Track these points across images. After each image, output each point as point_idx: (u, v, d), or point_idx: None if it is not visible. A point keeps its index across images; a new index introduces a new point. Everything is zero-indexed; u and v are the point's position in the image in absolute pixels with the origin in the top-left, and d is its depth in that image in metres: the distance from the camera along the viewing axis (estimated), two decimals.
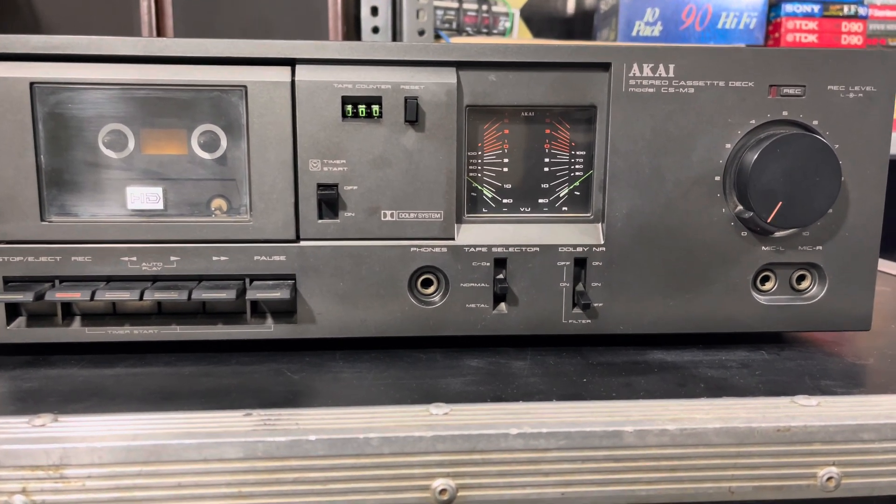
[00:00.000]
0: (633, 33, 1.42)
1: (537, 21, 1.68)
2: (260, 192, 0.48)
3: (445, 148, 0.49)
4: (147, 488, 0.36)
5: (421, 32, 1.32)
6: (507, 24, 1.47)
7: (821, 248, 0.52)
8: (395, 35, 1.35)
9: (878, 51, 0.51)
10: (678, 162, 0.50)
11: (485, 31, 1.46)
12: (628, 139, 0.50)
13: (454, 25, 1.43)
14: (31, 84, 0.46)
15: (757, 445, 0.40)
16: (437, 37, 1.37)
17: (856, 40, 1.42)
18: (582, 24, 1.69)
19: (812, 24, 1.41)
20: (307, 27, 1.25)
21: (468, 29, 1.44)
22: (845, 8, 1.42)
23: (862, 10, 1.42)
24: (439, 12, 1.41)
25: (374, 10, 1.33)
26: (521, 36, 1.57)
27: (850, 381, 0.47)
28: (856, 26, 1.42)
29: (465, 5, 1.44)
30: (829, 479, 0.40)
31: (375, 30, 1.33)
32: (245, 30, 1.24)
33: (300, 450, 0.37)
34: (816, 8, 1.41)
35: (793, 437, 0.40)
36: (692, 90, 0.50)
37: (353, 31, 1.33)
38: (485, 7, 1.45)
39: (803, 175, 0.49)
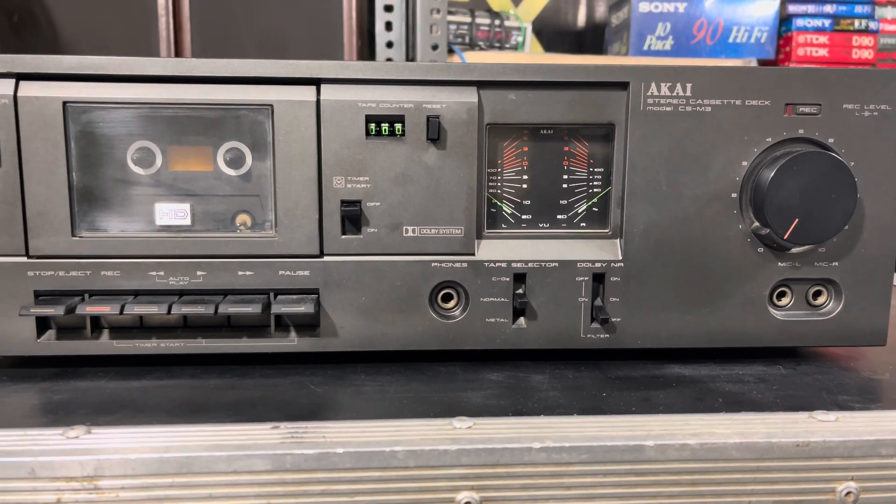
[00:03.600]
0: (645, 47, 1.43)
1: (548, 34, 1.69)
2: (285, 208, 0.49)
3: (466, 165, 0.50)
4: (179, 499, 0.37)
5: (434, 47, 1.33)
6: (520, 39, 1.49)
7: (837, 263, 0.53)
8: (409, 49, 1.36)
9: (893, 70, 0.52)
10: (695, 179, 0.51)
11: (497, 45, 1.47)
12: (646, 156, 0.51)
13: (467, 40, 1.44)
14: (64, 103, 0.47)
15: (776, 460, 0.40)
16: (451, 51, 1.38)
17: (866, 54, 1.43)
18: (592, 38, 1.70)
19: (823, 39, 1.42)
20: (323, 42, 1.26)
21: (481, 43, 1.46)
22: (856, 22, 1.43)
23: (873, 25, 1.43)
24: (452, 27, 1.42)
25: (389, 25, 1.35)
26: (532, 50, 1.58)
27: (868, 396, 0.47)
28: (866, 40, 1.42)
29: (478, 20, 1.45)
30: (848, 493, 0.40)
31: (389, 44, 1.35)
32: (261, 45, 1.26)
33: (328, 462, 0.38)
34: (827, 22, 1.42)
35: (812, 452, 0.40)
36: (709, 108, 0.50)
37: (367, 45, 1.35)
38: (497, 22, 1.47)
39: (819, 192, 0.49)
